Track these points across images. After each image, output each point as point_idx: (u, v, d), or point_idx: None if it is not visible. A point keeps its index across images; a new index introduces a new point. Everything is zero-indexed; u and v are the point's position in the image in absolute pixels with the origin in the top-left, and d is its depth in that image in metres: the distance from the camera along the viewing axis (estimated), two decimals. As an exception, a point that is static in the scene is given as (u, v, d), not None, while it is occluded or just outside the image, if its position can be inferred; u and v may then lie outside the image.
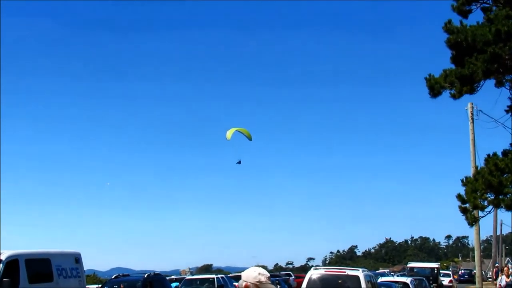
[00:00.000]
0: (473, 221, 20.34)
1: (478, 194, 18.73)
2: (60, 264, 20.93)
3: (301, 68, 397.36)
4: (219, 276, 41.72)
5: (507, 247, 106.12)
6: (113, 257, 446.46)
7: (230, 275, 50.14)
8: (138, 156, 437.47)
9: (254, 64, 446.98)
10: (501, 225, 78.21)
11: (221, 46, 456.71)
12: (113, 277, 31.64)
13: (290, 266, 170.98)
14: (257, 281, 6.61)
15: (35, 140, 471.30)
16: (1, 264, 17.88)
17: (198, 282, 38.94)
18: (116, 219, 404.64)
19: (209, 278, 39.60)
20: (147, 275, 28.91)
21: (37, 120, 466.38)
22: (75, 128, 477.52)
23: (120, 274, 33.34)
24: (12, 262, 18.47)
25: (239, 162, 33.03)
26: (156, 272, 31.59)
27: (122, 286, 27.96)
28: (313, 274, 23.55)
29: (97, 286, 44.49)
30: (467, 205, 19.13)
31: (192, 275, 52.97)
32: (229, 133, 30.92)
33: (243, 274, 6.66)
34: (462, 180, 19.71)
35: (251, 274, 6.61)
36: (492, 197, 18.67)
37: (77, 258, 22.32)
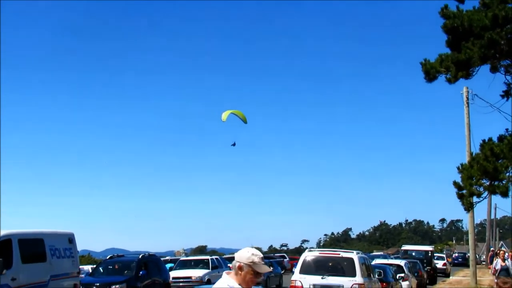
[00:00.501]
0: (469, 206, 20.43)
1: (474, 180, 18.81)
2: (53, 244, 20.74)
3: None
4: (214, 257, 41.80)
5: (501, 230, 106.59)
6: (108, 238, 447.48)
7: (224, 256, 50.35)
8: (133, 139, 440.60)
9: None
10: (495, 209, 78.52)
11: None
12: (107, 257, 31.65)
13: (285, 248, 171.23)
14: (250, 262, 6.64)
15: (29, 119, 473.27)
16: None
17: (192, 263, 39.03)
18: (111, 200, 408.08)
19: (203, 259, 39.73)
20: (142, 256, 29.02)
21: (30, 99, 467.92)
22: (71, 105, 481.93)
23: (115, 254, 33.21)
24: (5, 242, 18.29)
25: (234, 144, 33.06)
26: (150, 253, 31.50)
27: (116, 266, 28.20)
28: (307, 256, 23.67)
29: (91, 266, 44.59)
30: (464, 191, 19.22)
31: (187, 256, 52.95)
32: (224, 115, 30.91)
33: (236, 254, 6.69)
34: (458, 167, 19.79)
35: (245, 254, 6.63)
36: (488, 183, 18.76)
37: (70, 239, 22.20)
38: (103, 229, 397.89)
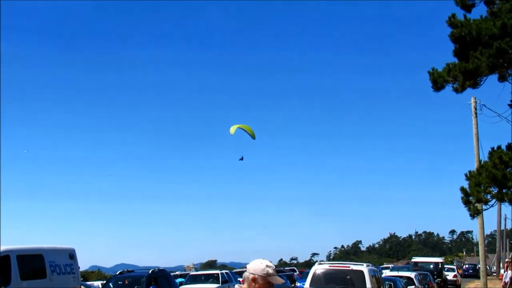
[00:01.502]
0: (475, 213, 20.34)
1: (482, 187, 18.73)
2: (53, 260, 20.37)
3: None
4: (224, 271, 41.95)
5: (511, 241, 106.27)
6: (118, 254, 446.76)
7: (235, 270, 50.24)
8: (141, 152, 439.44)
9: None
10: (505, 220, 78.24)
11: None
12: (117, 273, 31.60)
13: (294, 261, 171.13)
14: (265, 273, 6.55)
15: (30, 132, 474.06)
16: None
17: (203, 278, 39.08)
18: (121, 216, 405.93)
19: (213, 274, 40.00)
20: (152, 271, 29.03)
21: (31, 113, 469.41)
22: (73, 119, 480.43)
23: (125, 270, 33.44)
24: (3, 258, 17.91)
25: (242, 159, 33.14)
26: (160, 268, 31.58)
27: (126, 281, 28.12)
28: (318, 269, 23.67)
29: (102, 282, 44.61)
30: (470, 198, 19.14)
31: (197, 271, 53.06)
32: (232, 129, 30.99)
33: (249, 266, 6.60)
34: (466, 174, 19.71)
35: (259, 266, 6.54)
36: (496, 191, 18.67)
37: (71, 254, 21.85)
38: (113, 244, 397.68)
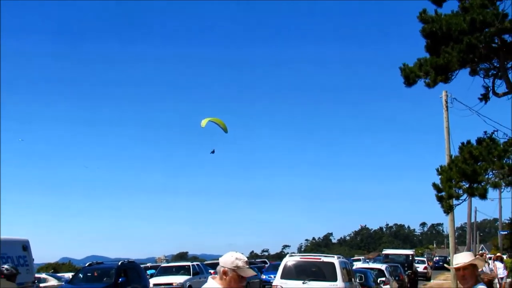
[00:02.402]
0: (448, 209, 20.51)
1: (453, 182, 18.90)
2: (5, 252, 19.53)
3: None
4: (195, 263, 42.09)
5: (481, 234, 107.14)
6: (89, 246, 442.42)
7: (206, 262, 50.32)
8: (114, 142, 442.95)
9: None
10: (475, 213, 78.93)
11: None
12: (86, 264, 31.34)
13: (266, 253, 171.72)
14: (234, 266, 6.66)
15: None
16: None
17: (173, 270, 39.12)
18: (91, 208, 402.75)
19: (184, 266, 39.96)
20: (121, 263, 28.95)
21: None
22: (48, 111, 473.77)
23: (94, 262, 33.22)
24: None
25: (213, 152, 33.20)
26: (130, 260, 31.56)
27: (95, 273, 28.02)
28: (288, 261, 23.75)
29: (72, 273, 44.40)
30: (443, 193, 19.31)
31: (168, 262, 53.01)
32: (203, 122, 30.97)
33: (220, 259, 6.71)
34: (437, 169, 19.88)
35: (229, 259, 6.66)
36: (467, 186, 18.86)
37: (24, 246, 21.14)
38: (83, 237, 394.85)
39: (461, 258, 8.11)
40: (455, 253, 40.45)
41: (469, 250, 56.24)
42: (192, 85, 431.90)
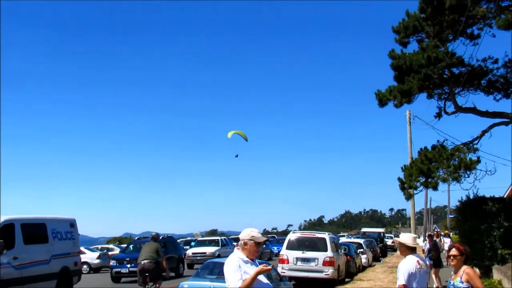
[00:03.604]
0: (409, 197, 20.39)
1: (413, 177, 18.74)
2: (55, 228, 18.90)
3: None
4: (222, 238, 42.91)
5: (434, 217, 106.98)
6: (145, 223, 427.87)
7: (231, 237, 50.24)
8: (151, 125, 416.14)
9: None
10: (430, 201, 79.00)
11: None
12: (136, 238, 32.13)
13: (274, 230, 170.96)
14: (250, 236, 6.65)
15: (36, 104, 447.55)
16: None
17: (207, 242, 39.56)
18: (147, 191, 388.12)
19: (215, 240, 40.94)
20: (162, 237, 28.66)
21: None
22: (79, 92, 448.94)
23: (142, 236, 33.34)
24: (8, 226, 16.52)
25: (237, 156, 33.12)
26: (168, 235, 31.54)
27: (142, 245, 27.97)
28: (292, 236, 23.83)
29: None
30: (405, 185, 19.15)
31: (203, 237, 53.08)
32: (229, 134, 30.92)
33: (240, 235, 6.74)
34: (402, 168, 19.74)
35: (246, 233, 6.69)
36: (423, 180, 18.70)
37: (72, 223, 20.34)
38: (143, 215, 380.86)
39: (401, 236, 8.48)
40: (415, 230, 40.34)
41: (425, 228, 55.95)
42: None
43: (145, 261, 17.62)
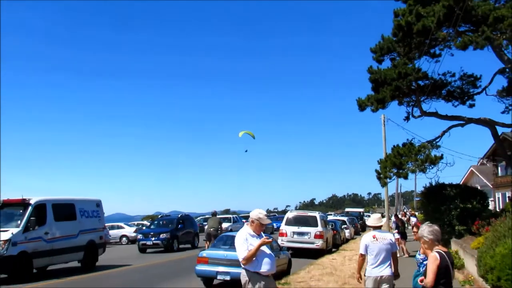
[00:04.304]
0: (383, 184, 20.40)
1: (387, 169, 18.74)
2: (83, 207, 18.22)
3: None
4: (234, 216, 43.11)
5: (404, 199, 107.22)
6: (173, 202, 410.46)
7: (241, 215, 50.30)
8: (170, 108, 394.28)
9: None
10: (400, 187, 78.82)
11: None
12: (159, 216, 32.14)
13: (276, 210, 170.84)
14: (257, 217, 6.69)
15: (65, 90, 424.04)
16: (30, 207, 15.46)
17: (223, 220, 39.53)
18: (176, 174, 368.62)
19: (228, 217, 41.58)
20: (180, 215, 29.03)
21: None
22: (105, 75, 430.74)
23: (165, 214, 33.43)
24: (40, 206, 15.91)
25: (246, 151, 33.05)
26: (186, 213, 31.16)
27: (164, 222, 28.03)
28: (289, 215, 23.89)
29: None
30: (381, 175, 19.15)
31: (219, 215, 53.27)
32: (240, 134, 30.87)
33: (250, 214, 6.81)
34: (378, 161, 19.74)
35: (255, 213, 6.75)
36: (396, 171, 18.70)
37: (97, 204, 19.54)
38: (171, 197, 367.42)
39: (368, 220, 9.00)
40: (388, 210, 40.27)
41: (396, 210, 55.86)
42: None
43: (211, 229, 22.50)
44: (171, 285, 14.20)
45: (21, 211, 15.25)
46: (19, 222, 14.90)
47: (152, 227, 28.31)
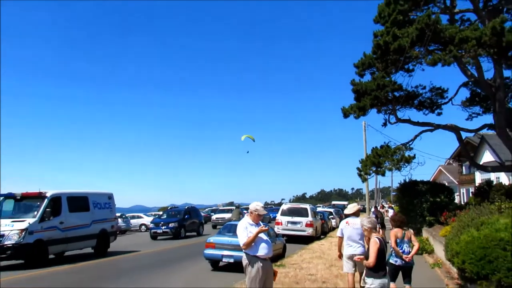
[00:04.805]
0: (364, 180, 20.34)
1: (367, 167, 18.70)
2: (96, 200, 17.62)
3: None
4: (239, 207, 42.41)
5: (382, 193, 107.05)
6: (185, 195, 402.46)
7: (242, 207, 50.24)
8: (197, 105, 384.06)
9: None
10: (379, 183, 79.20)
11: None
12: (169, 207, 31.44)
13: (272, 202, 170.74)
14: (255, 209, 6.67)
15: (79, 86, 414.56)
16: (46, 200, 14.93)
17: (225, 211, 39.31)
18: (187, 169, 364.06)
19: (231, 208, 40.55)
20: (187, 207, 28.71)
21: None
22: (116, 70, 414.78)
23: (174, 206, 33.31)
24: (56, 198, 15.38)
25: (248, 152, 33.05)
26: (192, 205, 30.95)
27: (173, 213, 27.83)
28: (284, 206, 23.86)
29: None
30: (362, 172, 19.12)
31: (223, 207, 53.04)
32: (243, 137, 30.84)
33: (250, 206, 6.80)
34: (359, 160, 19.71)
35: (253, 205, 6.75)
36: (375, 169, 18.66)
37: (109, 196, 18.85)
38: (183, 190, 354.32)
39: (348, 207, 9.28)
40: (368, 203, 40.15)
41: (375, 203, 55.79)
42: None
43: (234, 220, 21.43)
44: (180, 266, 14.12)
45: (38, 203, 14.89)
46: (35, 213, 14.58)
47: (162, 217, 28.15)
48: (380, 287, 6.00)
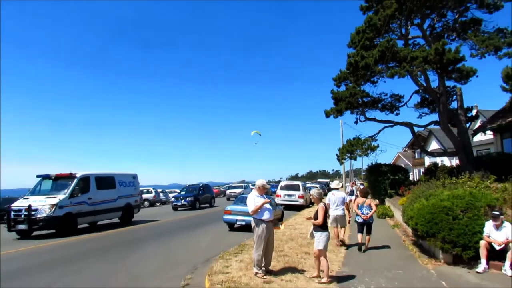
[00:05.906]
0: (341, 163, 20.29)
1: (343, 154, 18.62)
2: (121, 179, 16.33)
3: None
4: (245, 184, 43.14)
5: (355, 173, 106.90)
6: (203, 176, 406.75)
7: (251, 184, 50.38)
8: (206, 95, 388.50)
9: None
10: (352, 165, 78.89)
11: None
12: (187, 185, 28.74)
13: (273, 179, 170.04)
14: (262, 184, 6.70)
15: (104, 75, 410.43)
16: (76, 179, 13.84)
17: (237, 187, 38.93)
18: (205, 152, 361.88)
19: (242, 185, 40.54)
20: (201, 185, 27.28)
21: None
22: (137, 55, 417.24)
23: (192, 184, 31.52)
24: (85, 178, 14.24)
25: (256, 143, 32.84)
26: (205, 183, 29.27)
27: (191, 189, 26.15)
28: (282, 183, 23.79)
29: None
30: (339, 158, 19.06)
31: (237, 184, 52.95)
32: (252, 133, 30.67)
33: (256, 182, 6.77)
34: (338, 149, 19.62)
35: (259, 182, 6.76)
36: (349, 155, 18.59)
37: (134, 176, 17.37)
38: (201, 170, 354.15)
39: (333, 183, 10.05)
40: (345, 181, 40.02)
41: (350, 180, 55.52)
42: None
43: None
44: (203, 229, 13.90)
45: (69, 182, 13.82)
46: (66, 190, 13.51)
47: (182, 192, 26.71)
48: (326, 237, 6.39)
